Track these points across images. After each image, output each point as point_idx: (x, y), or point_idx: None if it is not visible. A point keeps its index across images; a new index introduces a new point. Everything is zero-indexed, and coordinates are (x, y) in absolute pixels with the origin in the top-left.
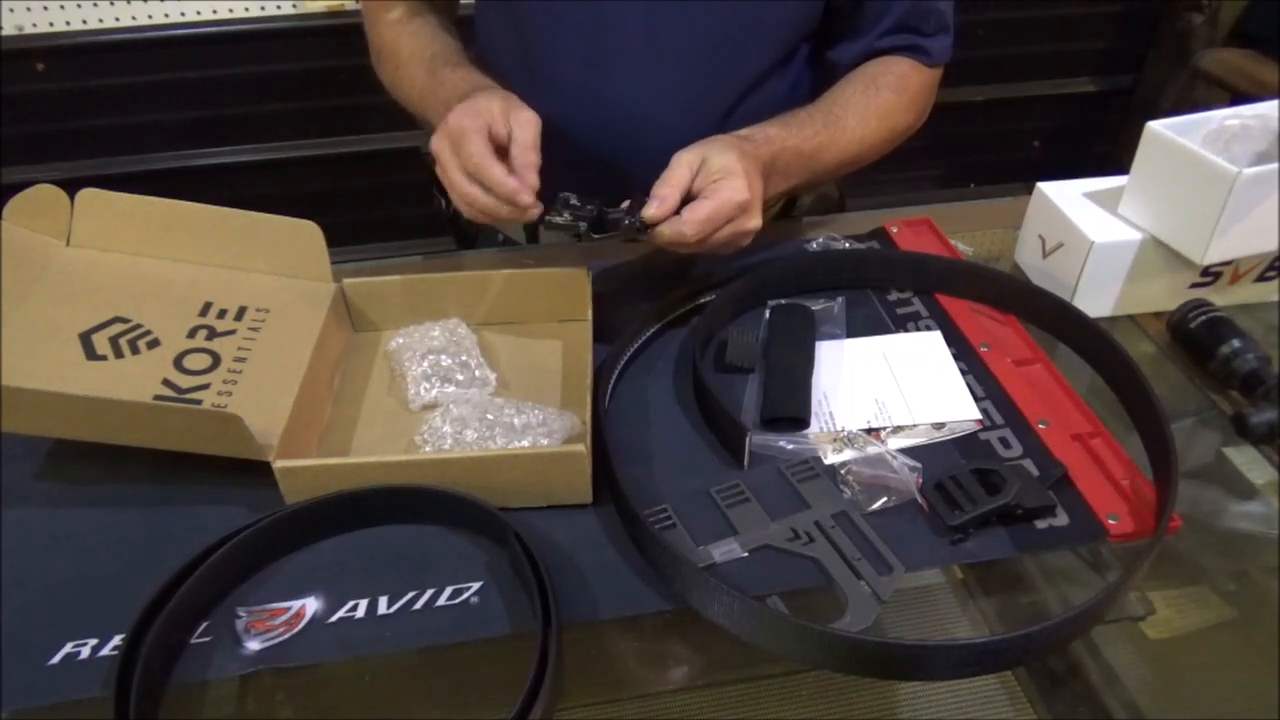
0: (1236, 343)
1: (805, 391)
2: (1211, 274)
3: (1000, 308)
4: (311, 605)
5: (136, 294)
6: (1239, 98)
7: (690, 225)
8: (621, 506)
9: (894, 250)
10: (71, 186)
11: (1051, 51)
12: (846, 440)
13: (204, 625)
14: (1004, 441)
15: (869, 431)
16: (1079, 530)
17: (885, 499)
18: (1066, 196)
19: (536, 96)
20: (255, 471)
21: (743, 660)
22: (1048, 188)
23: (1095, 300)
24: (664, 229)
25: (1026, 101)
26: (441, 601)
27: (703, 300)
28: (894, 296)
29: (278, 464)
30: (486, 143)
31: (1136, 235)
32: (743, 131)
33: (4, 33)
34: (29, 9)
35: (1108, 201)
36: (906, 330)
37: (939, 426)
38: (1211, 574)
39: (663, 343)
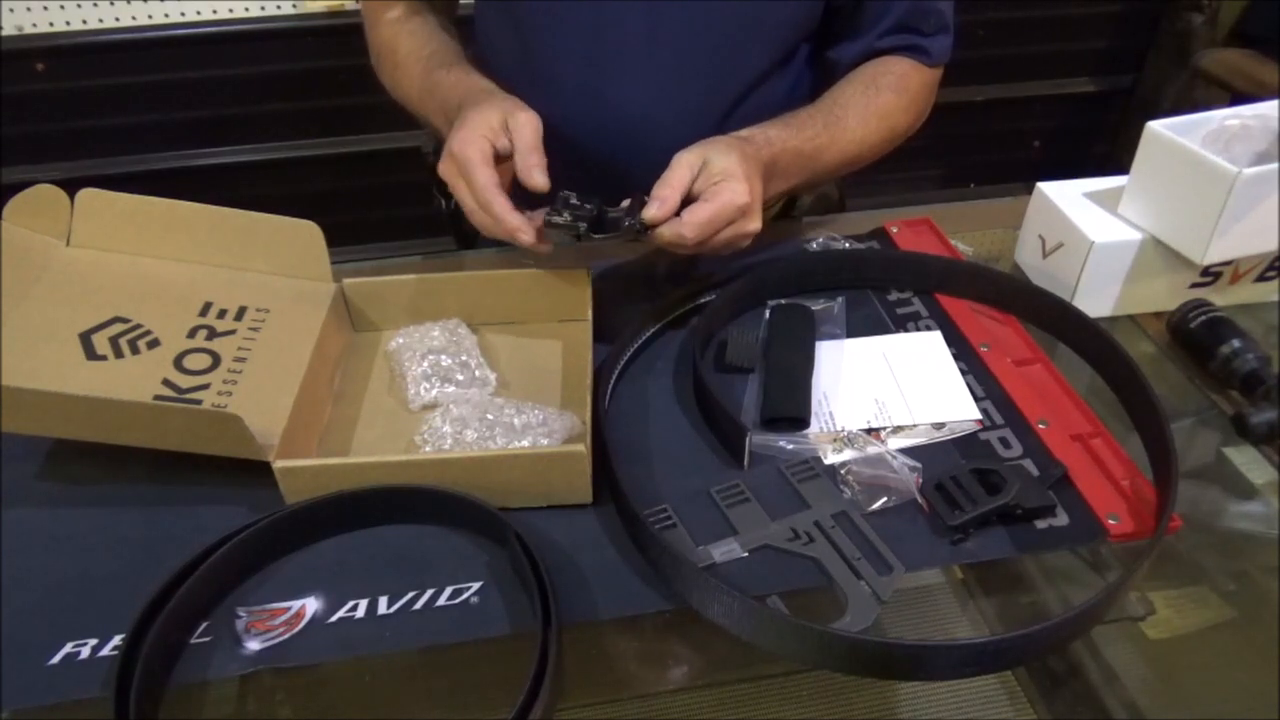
0: (1236, 343)
1: (805, 391)
2: (1211, 274)
3: (1000, 308)
4: (311, 605)
5: (136, 294)
6: (1239, 98)
7: (690, 228)
8: (621, 506)
9: (894, 250)
10: (71, 186)
11: (1051, 51)
12: (846, 440)
13: (204, 625)
14: (1004, 441)
15: (869, 431)
16: (1079, 530)
17: (885, 499)
18: (1066, 196)
19: (536, 97)
20: (255, 471)
21: (743, 660)
22: (1048, 188)
23: (1095, 300)
24: (664, 230)
25: (1026, 101)
26: (441, 601)
27: (703, 300)
28: (894, 296)
29: (278, 464)
30: (492, 173)
31: (1136, 235)
32: (743, 132)
33: (4, 33)
34: (29, 9)
35: (1108, 201)
36: (906, 330)
37: (939, 426)
38: (1211, 574)
39: (663, 343)
